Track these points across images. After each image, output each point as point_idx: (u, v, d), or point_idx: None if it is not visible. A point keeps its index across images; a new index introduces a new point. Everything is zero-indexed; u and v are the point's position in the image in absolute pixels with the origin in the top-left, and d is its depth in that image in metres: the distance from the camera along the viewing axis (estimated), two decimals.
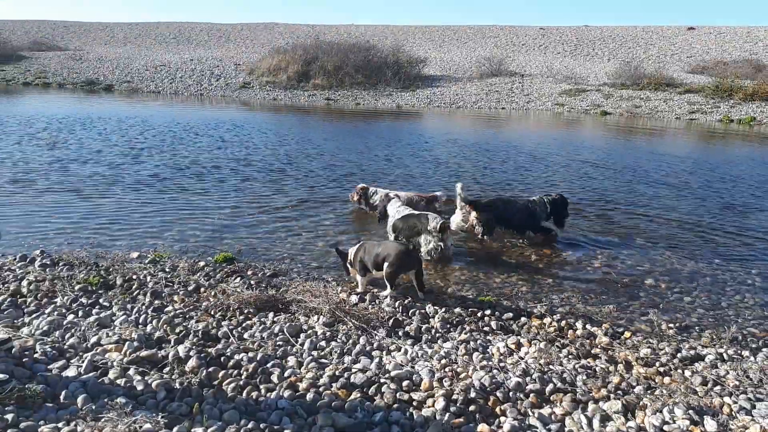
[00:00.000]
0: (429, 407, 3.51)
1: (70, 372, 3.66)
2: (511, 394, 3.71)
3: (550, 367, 4.14)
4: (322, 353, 4.23)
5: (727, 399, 3.71)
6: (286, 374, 3.81)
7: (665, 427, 3.39)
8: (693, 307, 5.65)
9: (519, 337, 4.70)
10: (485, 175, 11.41)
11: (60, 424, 3.12)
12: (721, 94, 25.09)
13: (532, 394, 3.71)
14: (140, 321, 4.57)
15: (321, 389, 3.64)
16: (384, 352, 4.31)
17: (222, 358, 3.96)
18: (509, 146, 15.00)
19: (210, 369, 3.77)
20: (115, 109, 20.62)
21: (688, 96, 25.65)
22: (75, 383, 3.50)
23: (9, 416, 3.11)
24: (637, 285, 6.19)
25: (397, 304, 5.24)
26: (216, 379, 3.70)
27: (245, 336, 4.44)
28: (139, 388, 3.52)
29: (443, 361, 4.15)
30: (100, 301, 4.94)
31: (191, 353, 3.93)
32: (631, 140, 17.53)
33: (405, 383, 3.77)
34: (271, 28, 51.99)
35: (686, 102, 24.72)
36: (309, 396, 3.54)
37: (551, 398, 3.72)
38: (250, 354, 4.05)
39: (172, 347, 4.07)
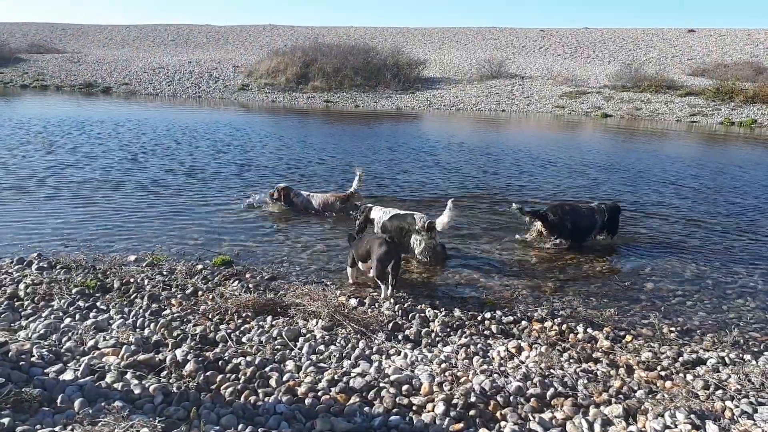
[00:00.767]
0: (429, 412, 3.48)
1: (67, 376, 3.62)
2: (511, 398, 3.68)
3: (551, 371, 4.11)
4: (321, 357, 4.19)
5: (729, 403, 3.68)
6: (284, 378, 3.78)
7: None
8: (694, 310, 5.62)
9: (520, 341, 4.67)
10: (494, 180, 11.37)
11: (57, 428, 3.08)
12: (721, 97, 25.11)
13: (532, 399, 3.68)
14: (138, 324, 4.53)
15: (320, 393, 3.61)
16: (383, 356, 4.28)
17: (220, 362, 3.93)
18: (513, 150, 14.99)
19: (208, 373, 3.73)
20: (112, 111, 20.61)
21: (688, 98, 25.67)
22: (72, 387, 3.46)
23: (5, 420, 3.08)
24: (639, 288, 6.17)
25: (396, 307, 5.21)
26: (214, 384, 3.67)
27: (243, 340, 4.41)
28: (137, 392, 3.48)
29: (443, 365, 4.12)
30: (98, 304, 4.90)
31: (189, 357, 3.90)
32: (633, 143, 17.53)
33: (405, 388, 3.74)
34: (270, 30, 52.01)
35: (687, 104, 24.73)
36: (307, 400, 3.51)
37: (552, 402, 3.68)
38: (248, 358, 4.02)
39: (169, 351, 4.04)
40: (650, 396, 3.79)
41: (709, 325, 5.27)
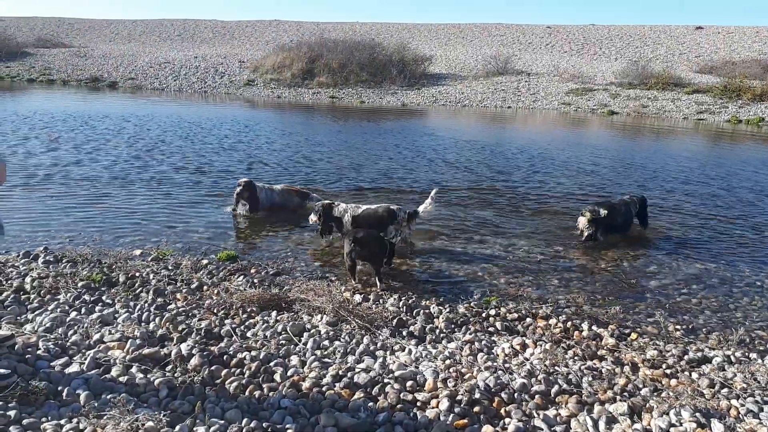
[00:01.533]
0: (433, 408, 3.48)
1: (73, 369, 3.64)
2: (516, 395, 3.67)
3: (556, 368, 4.10)
4: (326, 353, 4.20)
5: (734, 402, 3.66)
6: (289, 373, 3.79)
7: (672, 430, 3.35)
8: (700, 308, 5.60)
9: (524, 338, 4.66)
10: (500, 177, 11.35)
11: (62, 421, 3.10)
12: (729, 95, 24.93)
13: (537, 396, 3.67)
14: (143, 319, 4.55)
15: (324, 389, 3.61)
16: (388, 352, 4.28)
17: (225, 357, 3.94)
18: (520, 147, 14.93)
19: (212, 367, 3.74)
20: (118, 106, 20.65)
21: (696, 96, 25.51)
22: (77, 380, 3.48)
23: (12, 413, 3.10)
24: (644, 286, 6.15)
25: (401, 303, 5.21)
26: (218, 378, 3.68)
27: (248, 335, 4.42)
28: (142, 385, 3.50)
29: (447, 362, 4.12)
30: (103, 298, 4.92)
31: (194, 351, 3.91)
32: (639, 140, 17.47)
33: (409, 383, 3.74)
34: (276, 26, 51.96)
35: (694, 102, 24.59)
36: (312, 395, 3.51)
37: (557, 400, 3.68)
38: (253, 353, 4.03)
39: (174, 345, 4.05)
40: (655, 394, 3.78)
41: (715, 324, 5.25)
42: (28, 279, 5.18)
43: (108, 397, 3.32)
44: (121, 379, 3.55)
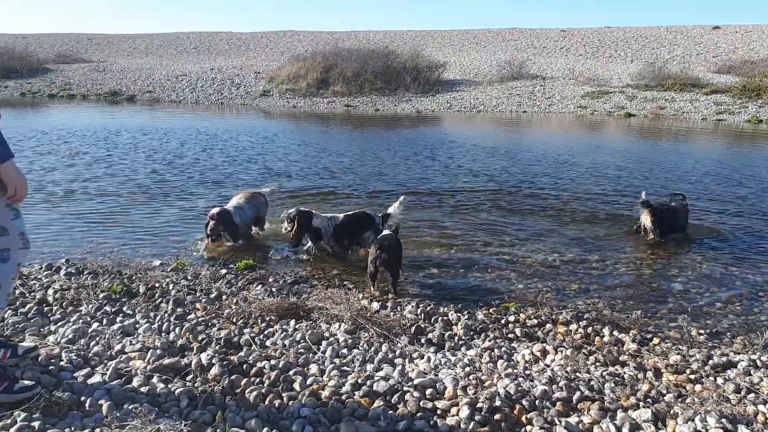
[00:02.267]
0: (453, 416, 3.45)
1: (95, 379, 3.67)
2: (537, 402, 3.63)
3: (577, 374, 4.05)
4: (344, 361, 4.19)
5: (761, 407, 3.58)
6: (308, 382, 3.79)
7: None
8: (724, 313, 5.50)
9: (544, 344, 4.61)
10: (517, 180, 11.30)
11: (85, 431, 3.13)
12: (748, 94, 24.57)
13: (558, 402, 3.63)
14: (163, 329, 4.58)
15: (344, 397, 3.60)
16: (407, 360, 4.26)
17: (244, 366, 3.95)
18: (539, 152, 14.88)
19: (232, 377, 3.76)
20: (137, 119, 20.95)
21: (714, 96, 25.19)
22: (100, 391, 3.51)
23: (36, 423, 3.13)
24: (665, 290, 6.06)
25: (419, 311, 5.20)
26: (238, 387, 3.68)
27: (267, 343, 4.43)
28: (163, 395, 3.52)
29: (467, 369, 4.09)
30: (124, 309, 4.97)
31: (214, 361, 3.93)
32: (659, 142, 17.28)
33: (428, 391, 3.72)
34: (291, 36, 52.40)
35: (713, 102, 24.28)
36: (331, 404, 3.50)
37: (579, 406, 3.63)
38: (272, 362, 4.03)
39: (194, 355, 4.08)
40: (680, 400, 3.71)
41: (740, 328, 5.16)
42: (50, 291, 5.25)
43: (130, 407, 3.35)
44: (142, 389, 3.58)
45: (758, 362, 4.33)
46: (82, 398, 3.45)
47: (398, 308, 5.27)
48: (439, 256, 6.96)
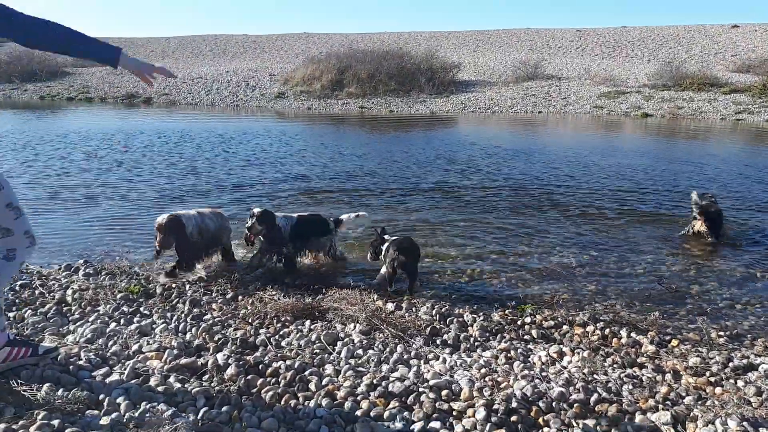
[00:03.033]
0: (469, 417, 3.43)
1: (113, 379, 3.71)
2: (554, 404, 3.60)
3: (595, 376, 4.01)
4: (359, 361, 4.19)
5: None
6: (323, 382, 3.79)
7: None
8: (744, 314, 5.42)
9: (561, 345, 4.57)
10: (533, 182, 11.24)
11: (103, 431, 3.16)
12: None
13: (576, 405, 3.59)
14: (180, 329, 4.62)
15: (359, 398, 3.60)
16: (422, 361, 4.25)
17: (260, 366, 3.97)
18: (557, 152, 14.80)
19: (248, 377, 3.77)
20: (153, 121, 21.15)
21: (733, 96, 24.85)
22: (118, 390, 3.54)
23: (55, 422, 3.16)
24: (684, 292, 5.98)
25: (434, 312, 5.18)
26: (254, 387, 3.70)
27: (282, 344, 4.44)
28: (180, 395, 3.55)
29: (483, 371, 4.06)
30: (141, 309, 5.02)
31: (230, 361, 3.95)
32: (678, 142, 17.09)
33: (444, 392, 3.70)
34: (305, 38, 52.58)
35: (732, 102, 23.95)
36: (347, 404, 3.50)
37: (596, 408, 3.59)
38: (288, 362, 4.04)
39: (211, 355, 4.10)
40: (699, 402, 3.66)
41: (761, 330, 5.07)
42: (69, 291, 5.31)
43: (147, 406, 3.37)
44: (159, 388, 3.61)
45: None
46: (101, 397, 3.49)
47: (413, 309, 5.26)
48: (455, 257, 6.94)
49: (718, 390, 3.85)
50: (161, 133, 17.26)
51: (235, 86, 30.81)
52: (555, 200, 9.70)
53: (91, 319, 4.70)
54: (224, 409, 3.39)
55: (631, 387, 3.85)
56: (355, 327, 4.76)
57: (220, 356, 4.04)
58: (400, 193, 10.07)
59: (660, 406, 3.61)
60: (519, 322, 5.06)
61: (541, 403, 3.59)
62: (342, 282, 6.08)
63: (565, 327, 4.97)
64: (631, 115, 23.20)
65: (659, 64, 31.15)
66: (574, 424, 3.40)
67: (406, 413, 3.45)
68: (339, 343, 4.46)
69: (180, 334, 4.51)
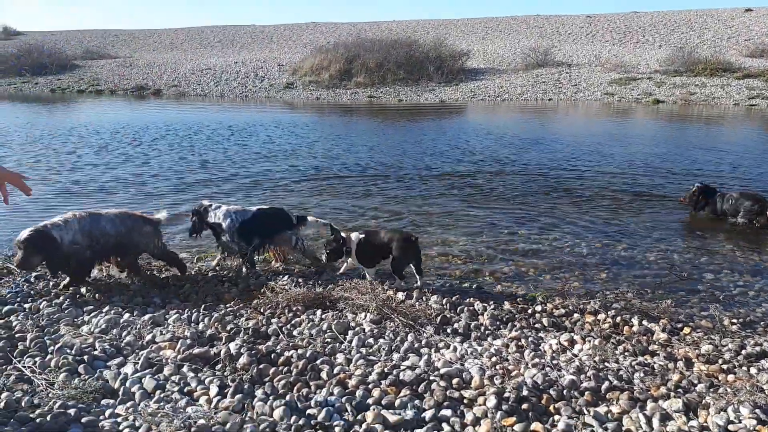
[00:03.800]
0: (480, 405, 3.45)
1: (128, 369, 3.76)
2: (565, 392, 3.60)
3: (606, 364, 4.01)
4: (371, 350, 4.21)
5: None
6: (335, 371, 3.82)
7: (730, 427, 3.23)
8: (757, 301, 5.38)
9: (572, 333, 4.57)
10: (549, 174, 11.18)
11: (119, 419, 3.21)
12: None
13: (587, 392, 3.59)
14: (192, 319, 4.66)
15: (370, 386, 3.63)
16: (433, 350, 4.26)
17: (272, 355, 4.00)
18: (568, 140, 14.70)
19: (261, 366, 3.81)
20: (163, 114, 21.20)
21: (746, 81, 24.54)
22: (132, 379, 3.59)
23: (72, 411, 3.22)
24: (696, 279, 5.95)
25: (444, 301, 5.18)
26: (267, 376, 3.74)
27: (294, 333, 4.47)
28: (193, 384, 3.59)
29: (494, 359, 4.07)
30: (154, 299, 5.07)
31: (242, 350, 3.99)
32: (691, 128, 16.91)
33: (455, 381, 3.72)
34: (313, 28, 52.39)
35: (745, 87, 23.65)
36: (358, 393, 3.53)
37: (607, 396, 3.59)
38: (300, 351, 4.08)
39: (223, 345, 4.14)
40: (712, 390, 3.65)
41: None
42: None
43: (161, 395, 3.42)
44: (173, 378, 3.65)
45: None
46: (116, 386, 3.54)
47: (423, 298, 5.27)
48: (465, 245, 6.92)
49: (730, 377, 3.83)
50: (170, 126, 17.28)
51: (243, 77, 30.81)
52: (567, 188, 9.65)
53: (105, 310, 4.76)
54: (237, 397, 3.43)
55: (642, 375, 3.84)
56: (365, 316, 4.78)
57: (232, 346, 4.07)
58: (415, 183, 10.06)
59: (672, 393, 3.60)
60: (529, 311, 5.05)
61: (552, 391, 3.59)
62: (352, 271, 6.09)
63: (576, 315, 4.96)
64: (642, 101, 22.98)
65: (671, 49, 30.76)
66: (586, 412, 3.40)
67: (417, 401, 3.47)
68: (350, 332, 4.49)
69: (193, 324, 4.56)
